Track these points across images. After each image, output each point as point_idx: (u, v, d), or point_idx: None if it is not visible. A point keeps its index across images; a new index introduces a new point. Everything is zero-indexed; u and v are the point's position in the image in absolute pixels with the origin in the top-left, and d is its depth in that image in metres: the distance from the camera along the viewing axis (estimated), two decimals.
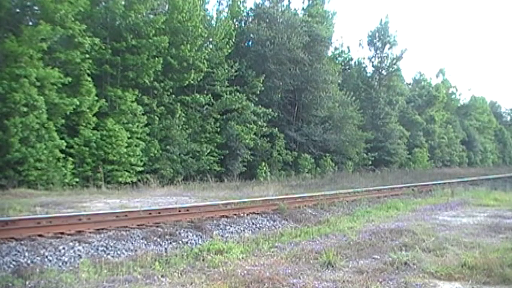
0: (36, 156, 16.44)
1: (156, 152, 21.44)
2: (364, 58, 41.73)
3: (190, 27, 22.55)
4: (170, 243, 8.69)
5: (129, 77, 20.93)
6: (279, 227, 11.05)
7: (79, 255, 7.40)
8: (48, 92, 17.05)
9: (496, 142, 67.05)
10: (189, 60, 22.53)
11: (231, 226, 10.36)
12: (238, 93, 25.97)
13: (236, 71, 26.33)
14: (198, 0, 23.36)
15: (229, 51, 25.61)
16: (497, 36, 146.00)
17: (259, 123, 26.95)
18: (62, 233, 8.23)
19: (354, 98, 34.72)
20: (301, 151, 30.29)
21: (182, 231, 9.34)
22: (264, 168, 26.18)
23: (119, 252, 7.89)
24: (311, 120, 31.65)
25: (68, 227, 8.58)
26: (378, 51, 40.81)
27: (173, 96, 23.21)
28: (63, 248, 7.47)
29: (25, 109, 16.27)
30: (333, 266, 6.28)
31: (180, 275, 5.99)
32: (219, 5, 29.17)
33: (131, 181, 19.77)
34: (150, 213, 10.30)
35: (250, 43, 29.56)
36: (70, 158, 17.95)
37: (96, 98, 19.19)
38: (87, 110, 18.72)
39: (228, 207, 11.95)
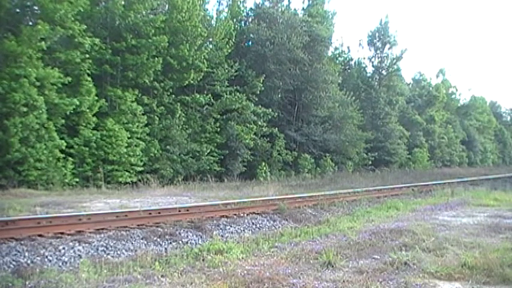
0: (36, 156, 16.44)
1: (156, 152, 21.44)
2: (364, 58, 41.88)
3: (189, 27, 22.54)
4: (170, 243, 8.69)
5: (129, 77, 20.93)
6: (279, 227, 11.04)
7: (79, 255, 7.40)
8: (48, 92, 17.04)
9: (496, 142, 67.06)
10: (189, 60, 22.52)
11: (231, 226, 10.36)
12: (238, 93, 25.97)
13: (236, 71, 26.33)
14: (197, 0, 23.37)
15: (229, 51, 25.60)
16: (497, 36, 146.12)
17: (259, 123, 26.96)
18: (62, 233, 8.23)
19: (354, 98, 34.73)
20: (301, 151, 30.29)
21: (182, 231, 9.34)
22: (264, 168, 26.18)
23: (119, 252, 7.88)
24: (311, 120, 31.66)
25: (68, 227, 8.58)
26: (378, 51, 40.86)
27: (173, 96, 23.20)
28: (63, 248, 7.47)
29: (25, 109, 16.25)
30: (333, 266, 6.29)
31: (180, 275, 6.00)
32: (219, 5, 29.24)
33: (131, 181, 19.76)
34: (150, 213, 10.30)
35: (250, 43, 29.56)
36: (70, 158, 17.94)
37: (96, 98, 19.18)
38: (87, 110, 18.72)
39: (228, 207, 11.95)
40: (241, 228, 10.38)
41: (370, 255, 7.04)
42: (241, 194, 16.78)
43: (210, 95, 24.93)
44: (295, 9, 32.75)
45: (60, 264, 7.01)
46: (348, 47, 41.75)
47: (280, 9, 30.74)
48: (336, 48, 39.21)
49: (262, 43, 28.23)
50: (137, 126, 20.77)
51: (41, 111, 16.67)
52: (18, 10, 18.25)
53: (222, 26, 25.18)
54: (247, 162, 26.25)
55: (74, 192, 16.04)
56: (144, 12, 21.55)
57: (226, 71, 25.71)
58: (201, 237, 9.26)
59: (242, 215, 11.40)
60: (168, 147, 22.21)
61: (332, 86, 32.37)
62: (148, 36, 21.00)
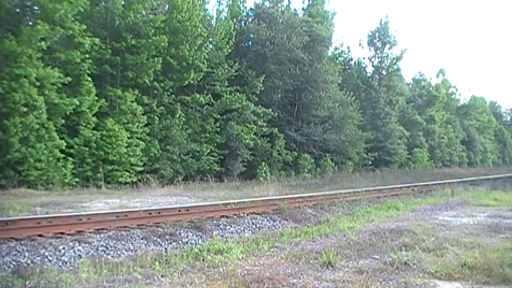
0: (36, 156, 16.43)
1: (156, 152, 21.44)
2: (364, 58, 41.86)
3: (189, 27, 22.54)
4: (170, 243, 8.69)
5: (129, 77, 20.93)
6: (279, 227, 11.05)
7: (79, 255, 7.40)
8: (48, 92, 17.03)
9: (496, 142, 67.05)
10: (189, 60, 22.52)
11: (231, 226, 10.36)
12: (238, 93, 25.97)
13: (236, 71, 26.32)
14: (197, 0, 23.37)
15: (229, 51, 25.60)
16: (497, 36, 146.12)
17: (259, 123, 26.96)
18: (62, 233, 8.24)
19: (354, 98, 34.74)
20: (301, 151, 30.28)
21: (182, 231, 9.34)
22: (264, 168, 26.17)
23: (119, 252, 7.89)
24: (311, 120, 31.66)
25: (68, 227, 8.58)
26: (378, 51, 40.85)
27: (173, 96, 23.20)
28: (63, 248, 7.47)
29: (25, 109, 16.25)
30: (333, 266, 6.29)
31: (180, 275, 6.00)
32: (219, 5, 29.24)
33: (131, 181, 19.76)
34: (150, 213, 10.30)
35: (250, 43, 29.56)
36: (70, 158, 17.94)
37: (96, 98, 19.18)
38: (87, 110, 18.71)
39: (228, 207, 11.95)
40: (241, 228, 10.38)
41: (370, 255, 7.04)
42: (241, 194, 16.78)
43: (210, 95, 24.93)
44: (295, 9, 32.80)
45: (60, 264, 7.01)
46: (348, 47, 41.82)
47: (280, 9, 30.72)
48: (336, 48, 39.27)
49: (262, 43, 28.22)
50: (137, 126, 20.76)
51: (41, 111, 16.66)
52: (18, 10, 18.23)
53: (222, 26, 25.17)
54: (247, 162, 26.24)
55: (74, 192, 16.04)
56: (144, 12, 21.56)
57: (226, 71, 25.71)
58: (201, 237, 9.26)
59: (242, 215, 11.40)
60: (168, 147, 22.21)
61: (332, 86, 32.37)
62: (148, 36, 20.99)
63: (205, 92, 24.88)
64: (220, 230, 9.91)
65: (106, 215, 9.85)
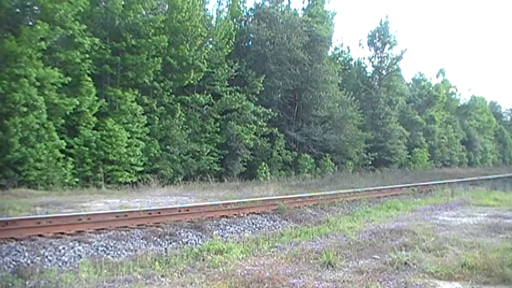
0: (36, 156, 16.44)
1: (156, 152, 21.45)
2: (364, 58, 41.82)
3: (189, 27, 22.56)
4: (170, 243, 8.69)
5: (129, 77, 20.94)
6: (279, 227, 11.04)
7: (79, 255, 7.40)
8: (48, 92, 17.04)
9: (496, 142, 67.04)
10: (189, 60, 22.54)
11: (231, 226, 10.36)
12: (238, 93, 25.98)
13: (236, 71, 26.33)
14: (197, 0, 23.38)
15: (229, 51, 25.61)
16: (497, 36, 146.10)
17: (259, 123, 26.96)
18: (62, 233, 8.24)
19: (354, 98, 34.73)
20: (301, 151, 30.29)
21: (182, 231, 9.34)
22: (264, 168, 26.18)
23: (119, 252, 7.88)
24: (311, 120, 31.66)
25: (68, 227, 8.58)
26: (378, 51, 40.82)
27: (173, 96, 23.21)
28: (63, 248, 7.47)
29: (25, 109, 16.26)
30: (333, 266, 6.28)
31: (180, 275, 6.00)
32: (219, 5, 29.24)
33: (131, 181, 19.77)
34: (150, 213, 10.31)
35: (250, 43, 29.55)
36: (70, 158, 17.95)
37: (96, 98, 19.19)
38: (87, 110, 18.73)
39: (228, 207, 11.95)
40: (241, 228, 10.38)
41: (370, 255, 7.04)
42: (241, 194, 16.79)
43: (210, 95, 24.93)
44: (295, 9, 32.78)
45: (60, 264, 7.01)
46: (348, 47, 41.76)
47: (280, 9, 30.70)
48: (336, 48, 39.23)
49: (262, 43, 28.21)
50: (137, 126, 20.77)
51: (41, 111, 16.67)
52: (18, 10, 18.24)
53: (222, 26, 25.18)
54: (247, 162, 26.25)
55: (74, 192, 16.05)
56: (144, 12, 21.58)
57: (226, 71, 25.72)
58: (201, 237, 9.26)
59: (242, 215, 11.40)
60: (168, 147, 22.21)
61: (332, 86, 32.37)
62: (148, 36, 21.01)
63: (205, 92, 24.88)
64: (220, 230, 9.90)
65: (106, 215, 9.85)
